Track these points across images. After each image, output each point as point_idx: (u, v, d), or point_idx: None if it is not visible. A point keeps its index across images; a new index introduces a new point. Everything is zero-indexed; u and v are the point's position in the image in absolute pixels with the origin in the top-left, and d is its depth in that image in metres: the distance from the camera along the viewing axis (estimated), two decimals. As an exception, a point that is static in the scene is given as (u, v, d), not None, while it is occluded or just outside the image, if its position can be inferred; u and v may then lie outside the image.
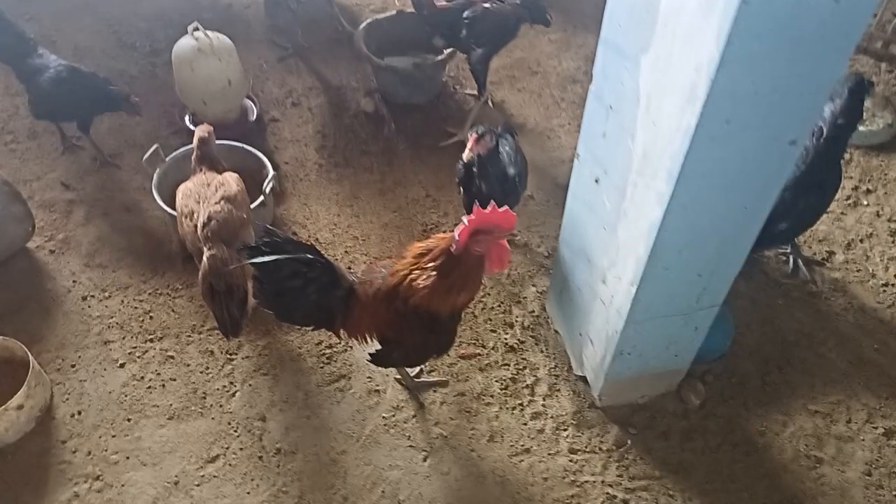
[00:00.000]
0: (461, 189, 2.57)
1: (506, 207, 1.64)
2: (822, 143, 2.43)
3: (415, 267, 1.80)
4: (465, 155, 2.31)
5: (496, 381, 2.52)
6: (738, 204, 1.70)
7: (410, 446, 2.34)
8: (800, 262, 2.84)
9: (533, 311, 2.73)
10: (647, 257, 1.77)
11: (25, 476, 2.24)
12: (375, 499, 2.21)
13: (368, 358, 2.03)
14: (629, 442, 2.34)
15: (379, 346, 1.96)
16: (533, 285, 2.83)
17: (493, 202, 1.63)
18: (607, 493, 2.22)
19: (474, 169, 2.42)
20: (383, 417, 2.42)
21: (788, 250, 2.87)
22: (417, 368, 2.48)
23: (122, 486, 2.23)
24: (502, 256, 1.71)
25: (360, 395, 2.47)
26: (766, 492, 2.24)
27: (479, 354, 2.60)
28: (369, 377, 2.52)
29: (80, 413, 2.41)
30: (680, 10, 1.45)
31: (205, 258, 2.23)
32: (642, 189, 1.75)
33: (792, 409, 2.44)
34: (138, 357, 2.57)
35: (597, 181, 2.01)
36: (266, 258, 1.87)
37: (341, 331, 2.05)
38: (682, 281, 1.90)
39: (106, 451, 2.31)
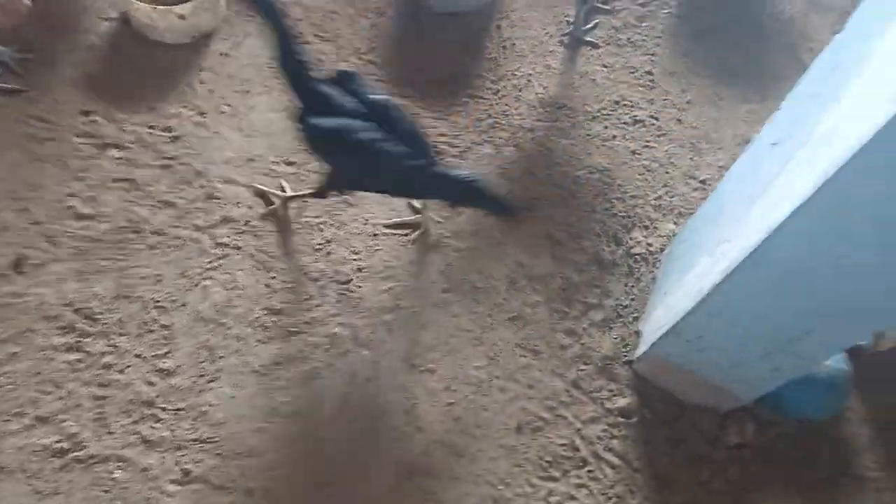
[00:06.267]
0: None
1: None
2: None
3: None
4: None
5: (561, 276, 2.27)
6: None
7: (436, 283, 2.24)
8: None
9: (650, 245, 2.36)
10: (750, 253, 1.37)
11: (160, 76, 2.47)
12: (386, 293, 2.19)
13: None
14: (635, 420, 2.06)
15: None
16: (674, 222, 2.42)
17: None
18: (573, 442, 2.01)
19: None
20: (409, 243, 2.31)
21: None
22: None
23: (215, 132, 2.39)
24: None
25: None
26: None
27: (561, 243, 2.33)
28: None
29: (226, 55, 2.55)
30: None
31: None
32: (797, 174, 1.31)
33: (829, 527, 1.98)
34: (297, 44, 2.62)
35: (774, 144, 1.54)
36: None
37: None
38: (782, 309, 1.47)
39: (223, 98, 2.46)
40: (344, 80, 1.86)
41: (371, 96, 1.84)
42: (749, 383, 1.85)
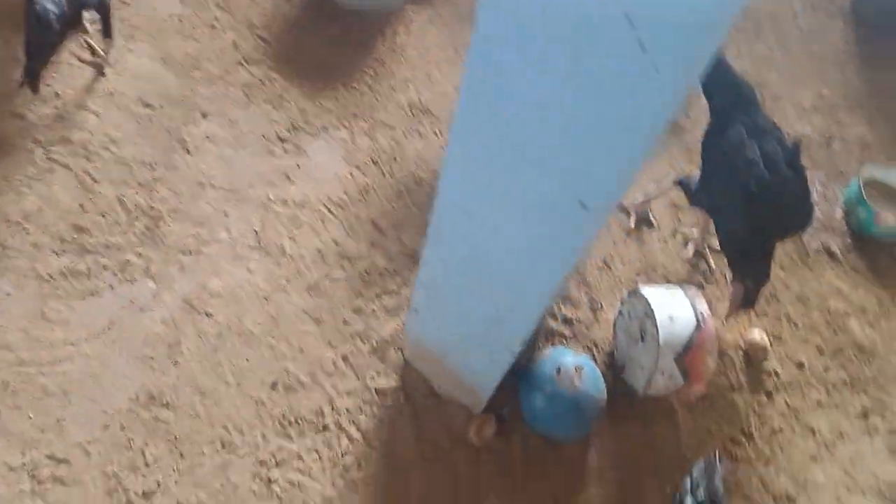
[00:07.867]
0: None
1: None
2: None
3: None
4: None
5: (370, 260, 2.36)
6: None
7: (246, 240, 2.34)
8: None
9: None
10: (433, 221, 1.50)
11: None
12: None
13: None
14: (390, 402, 2.11)
15: None
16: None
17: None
18: (321, 409, 2.06)
19: None
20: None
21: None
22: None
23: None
24: None
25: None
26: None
27: (382, 232, 2.43)
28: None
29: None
30: None
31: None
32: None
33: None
34: None
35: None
36: None
37: None
38: (468, 285, 1.57)
39: (107, 36, 2.61)
40: None
41: None
42: (478, 375, 1.91)
